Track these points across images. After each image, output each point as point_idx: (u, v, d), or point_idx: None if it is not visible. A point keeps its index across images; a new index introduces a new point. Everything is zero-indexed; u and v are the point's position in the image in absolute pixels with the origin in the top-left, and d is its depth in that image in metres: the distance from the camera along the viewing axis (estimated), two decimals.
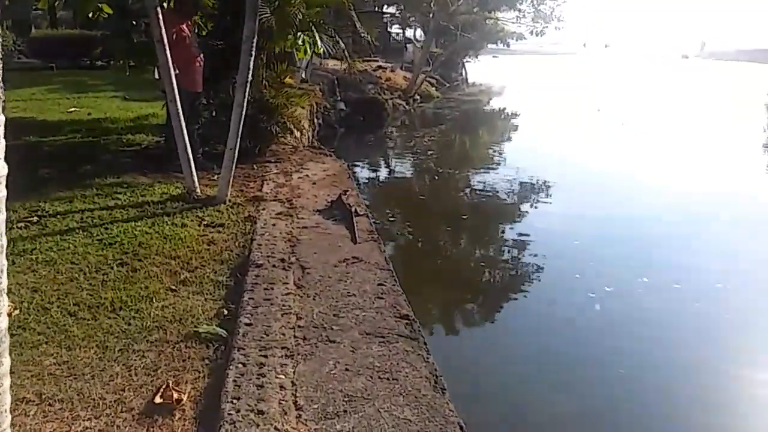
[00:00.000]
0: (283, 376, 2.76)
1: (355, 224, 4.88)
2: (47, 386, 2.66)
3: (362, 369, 2.86)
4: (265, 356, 2.93)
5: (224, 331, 3.21)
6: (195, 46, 6.45)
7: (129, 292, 3.65)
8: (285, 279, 3.87)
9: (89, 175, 6.12)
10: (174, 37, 6.09)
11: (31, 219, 4.69)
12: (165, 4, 7.00)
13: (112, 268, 3.99)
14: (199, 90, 6.54)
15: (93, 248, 4.25)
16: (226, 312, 3.47)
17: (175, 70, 6.00)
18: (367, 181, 11.70)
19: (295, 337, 3.13)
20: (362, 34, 10.83)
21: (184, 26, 6.30)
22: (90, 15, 6.72)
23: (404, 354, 3.01)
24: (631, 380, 4.80)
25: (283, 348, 3.00)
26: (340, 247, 4.51)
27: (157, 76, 6.42)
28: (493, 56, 44.95)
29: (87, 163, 6.57)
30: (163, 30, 5.20)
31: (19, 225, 4.56)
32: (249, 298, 3.55)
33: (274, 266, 4.07)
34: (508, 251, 7.66)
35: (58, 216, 4.84)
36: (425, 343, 3.15)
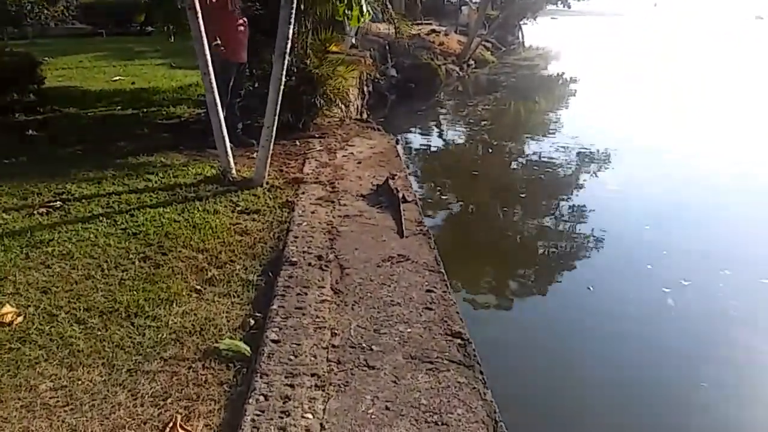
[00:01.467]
0: (310, 416, 2.32)
1: (402, 214, 4.37)
2: (37, 421, 2.29)
3: (405, 408, 2.39)
4: (292, 386, 2.49)
5: (248, 349, 2.79)
6: (238, 11, 5.97)
7: (148, 293, 3.27)
8: (321, 281, 3.41)
9: (122, 152, 5.80)
10: (214, 1, 5.64)
11: (54, 204, 4.37)
12: None
13: (133, 263, 3.62)
14: (243, 61, 6.08)
15: (115, 239, 3.89)
16: (252, 322, 3.05)
17: (215, 40, 5.59)
18: (416, 153, 11.13)
19: (328, 360, 2.68)
20: None
21: None
22: None
23: (456, 388, 2.52)
24: (721, 398, 4.21)
25: (313, 375, 2.55)
26: (385, 242, 4.01)
27: None
28: (552, 18, 43.02)
29: (122, 138, 6.26)
30: None
31: (40, 211, 4.24)
32: (279, 306, 3.11)
33: (309, 264, 3.62)
34: (572, 237, 7.02)
35: (83, 200, 4.51)
36: (481, 372, 2.65)
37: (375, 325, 3.00)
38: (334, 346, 2.80)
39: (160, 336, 2.89)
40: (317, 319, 3.00)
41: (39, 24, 17.64)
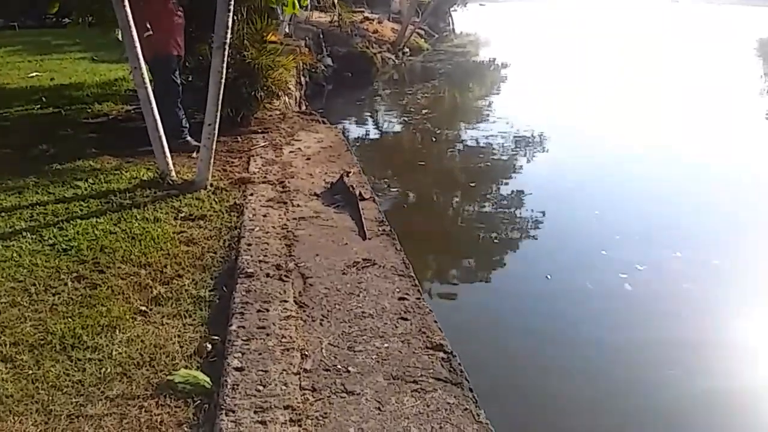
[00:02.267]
0: None
1: (362, 214, 4.10)
2: None
3: None
4: (263, 422, 2.19)
5: (208, 380, 2.46)
6: (174, 1, 5.51)
7: (85, 319, 2.88)
8: (283, 294, 3.10)
9: (45, 157, 5.26)
10: None
11: None
12: None
13: (65, 284, 3.20)
14: (179, 54, 5.62)
15: (43, 257, 3.44)
16: (209, 347, 2.71)
17: (147, 31, 5.13)
18: (359, 145, 10.84)
19: (301, 387, 2.39)
20: None
21: None
22: None
23: (447, 410, 2.28)
24: (691, 386, 4.17)
25: (286, 408, 2.26)
26: (347, 246, 3.73)
27: (120, 37, 5.48)
28: (480, 4, 43.35)
29: (44, 141, 5.67)
30: None
31: None
32: (239, 327, 2.79)
33: (268, 275, 3.30)
34: (525, 226, 6.91)
35: (3, 214, 4.00)
36: (471, 389, 2.43)
37: (348, 341, 2.72)
38: (306, 370, 2.51)
39: (103, 371, 2.52)
40: (284, 340, 2.69)
41: None
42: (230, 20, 4.39)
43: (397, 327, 2.84)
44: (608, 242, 6.31)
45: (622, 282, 5.50)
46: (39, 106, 7.21)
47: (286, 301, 3.04)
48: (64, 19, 16.29)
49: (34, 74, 9.37)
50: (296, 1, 5.98)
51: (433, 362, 2.58)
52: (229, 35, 4.42)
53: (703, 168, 8.96)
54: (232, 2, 4.34)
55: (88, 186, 4.57)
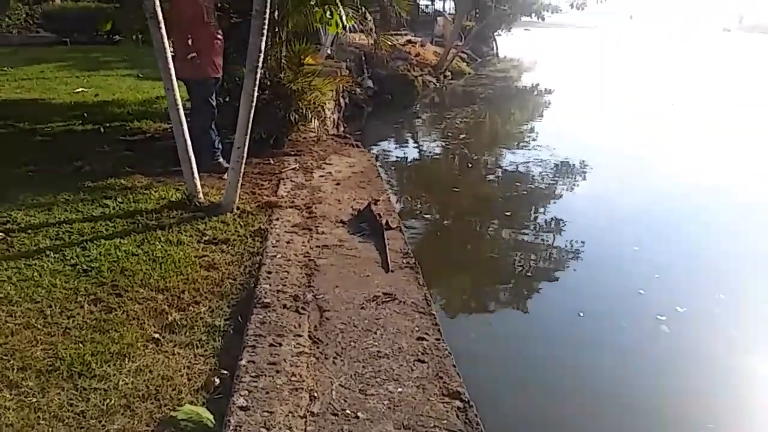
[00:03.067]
0: None
1: (387, 245, 3.99)
2: None
3: None
4: None
5: (211, 418, 2.37)
6: (214, 24, 5.56)
7: (96, 345, 2.83)
8: (297, 328, 3.00)
9: (79, 174, 5.32)
10: (190, 13, 5.23)
11: None
12: None
13: (81, 307, 3.17)
14: (216, 76, 5.65)
15: (62, 278, 3.43)
16: (217, 381, 2.63)
17: (191, 53, 5.19)
18: (394, 167, 10.77)
19: None
20: (391, 5, 9.78)
21: (204, 1, 5.40)
22: None
23: None
24: None
25: None
26: (369, 278, 3.62)
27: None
28: (525, 29, 43.20)
29: (80, 157, 5.76)
30: (157, 3, 4.30)
31: None
32: (249, 361, 2.69)
33: (284, 306, 3.21)
34: (560, 260, 6.69)
35: (30, 231, 4.03)
36: None
37: (360, 383, 2.60)
38: (312, 413, 2.39)
39: (107, 402, 2.45)
40: (293, 378, 2.59)
41: (0, 32, 17.02)
42: (263, 44, 4.37)
43: (413, 370, 2.71)
44: (647, 281, 6.04)
45: (659, 324, 5.24)
46: (80, 121, 7.35)
47: (300, 336, 2.93)
48: (115, 36, 16.86)
49: (80, 90, 9.61)
50: (338, 21, 5.98)
51: (447, 411, 2.44)
52: (261, 59, 4.40)
53: (755, 207, 8.55)
54: (266, 26, 4.32)
55: (117, 205, 4.58)
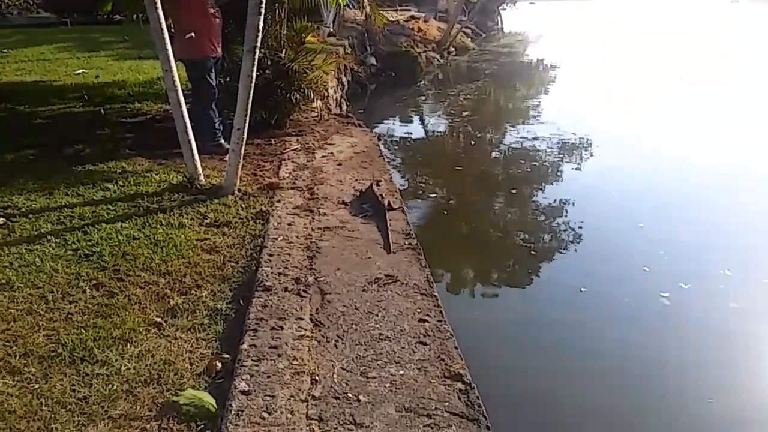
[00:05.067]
0: None
1: (389, 227, 3.96)
2: None
3: None
4: None
5: (213, 403, 2.38)
6: (212, 2, 5.48)
7: (99, 330, 2.83)
8: (299, 311, 3.00)
9: (79, 157, 5.30)
10: None
11: None
12: None
13: (83, 292, 3.17)
14: (215, 55, 5.57)
15: (64, 263, 3.43)
16: (219, 366, 2.62)
17: (188, 32, 5.13)
18: (397, 146, 10.71)
19: (307, 417, 2.28)
20: None
21: None
22: None
23: None
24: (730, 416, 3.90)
25: None
26: (370, 259, 3.60)
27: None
28: (530, 2, 42.65)
29: (81, 140, 5.74)
30: None
31: None
32: (250, 345, 2.69)
33: (286, 289, 3.20)
34: (565, 238, 6.66)
35: (31, 215, 4.02)
36: (488, 427, 2.27)
37: (362, 366, 2.60)
38: (314, 397, 2.39)
39: (109, 387, 2.46)
40: (295, 362, 2.59)
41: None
42: (261, 23, 4.31)
43: (414, 352, 2.70)
44: (651, 258, 6.01)
45: (662, 301, 5.23)
46: (81, 103, 7.32)
47: (301, 319, 2.93)
48: (115, 15, 16.71)
49: (80, 71, 9.56)
50: None
51: (449, 394, 2.43)
52: (260, 38, 4.34)
53: (763, 186, 8.47)
54: (263, 4, 4.25)
55: (118, 188, 4.57)
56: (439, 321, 2.96)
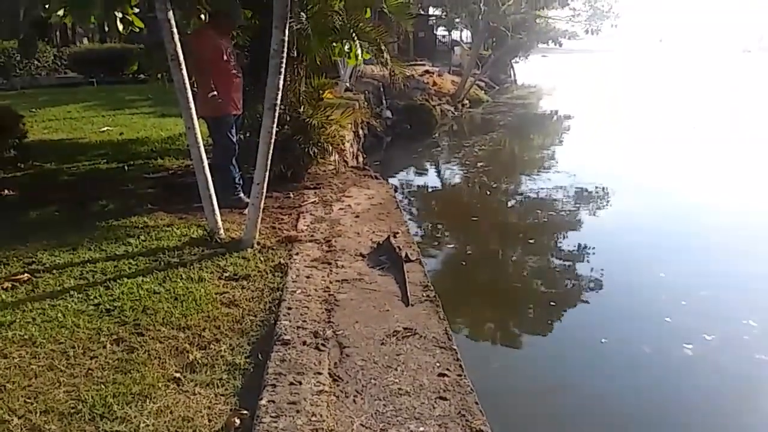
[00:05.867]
0: None
1: (406, 279, 3.97)
2: None
3: None
4: None
5: None
6: (234, 61, 5.67)
7: (119, 386, 2.83)
8: (317, 365, 2.99)
9: (103, 212, 5.42)
10: (211, 55, 5.36)
11: (21, 277, 3.95)
12: (201, 17, 6.36)
13: (104, 347, 3.18)
14: (238, 112, 5.73)
15: (86, 318, 3.46)
16: (238, 422, 2.61)
17: (211, 91, 5.30)
18: (413, 197, 10.79)
19: None
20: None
21: (222, 40, 5.53)
22: (121, 28, 6.13)
23: None
24: None
25: None
26: (388, 312, 3.60)
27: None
28: (543, 56, 43.43)
29: (105, 195, 5.87)
30: (178, 45, 4.41)
31: (5, 286, 3.82)
32: (269, 401, 2.68)
33: (304, 343, 3.19)
34: (585, 288, 6.62)
35: (55, 271, 4.09)
36: None
37: (381, 422, 2.56)
38: None
39: None
40: (313, 418, 2.56)
41: (29, 74, 17.57)
42: (281, 82, 4.44)
43: (434, 408, 2.67)
44: (673, 308, 5.93)
45: (685, 352, 5.13)
46: (105, 160, 7.52)
47: (320, 373, 2.91)
48: (140, 75, 17.30)
49: (106, 129, 9.85)
50: (358, 55, 6.11)
51: None
52: (279, 97, 4.47)
53: None
54: (283, 64, 4.40)
55: (139, 243, 4.64)
56: (459, 375, 2.92)
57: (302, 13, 5.91)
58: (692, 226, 8.58)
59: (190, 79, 4.66)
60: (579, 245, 7.86)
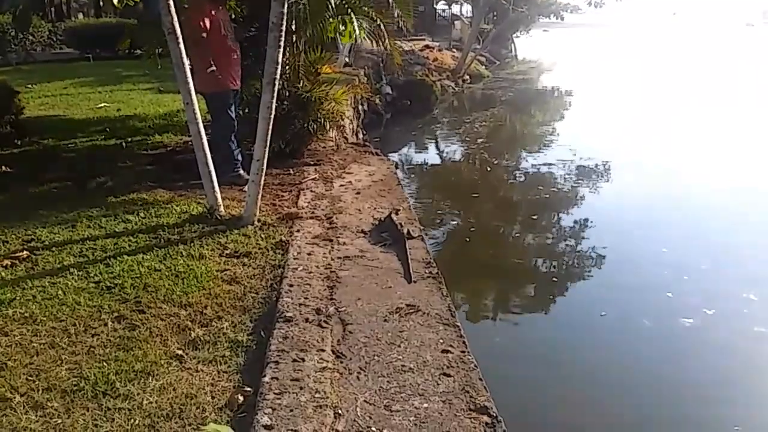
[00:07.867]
0: None
1: (408, 255, 3.94)
2: None
3: None
4: None
5: None
6: (231, 36, 5.58)
7: (120, 364, 2.82)
8: (320, 342, 2.97)
9: (101, 189, 5.37)
10: (207, 26, 5.25)
11: (20, 254, 3.92)
12: None
13: (105, 325, 3.17)
14: (235, 88, 5.65)
15: (86, 296, 3.44)
16: (241, 399, 2.60)
17: (209, 66, 5.22)
18: (414, 173, 10.74)
19: None
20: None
21: (218, 13, 5.43)
22: (116, 2, 6.01)
23: None
24: None
25: None
26: (391, 289, 3.58)
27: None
28: (544, 30, 42.98)
29: (103, 172, 5.82)
30: (175, 19, 4.32)
31: (4, 263, 3.79)
32: (272, 378, 2.66)
33: (307, 320, 3.18)
34: (587, 264, 6.61)
35: (54, 248, 4.05)
36: None
37: (385, 399, 2.55)
38: (337, 431, 2.35)
39: (131, 422, 2.43)
40: (317, 395, 2.55)
41: (24, 50, 17.37)
42: (280, 56, 4.37)
43: (438, 384, 2.65)
44: (675, 283, 5.92)
45: (685, 325, 5.15)
46: (103, 137, 7.45)
47: (323, 350, 2.90)
48: (136, 50, 17.06)
49: (103, 105, 9.75)
50: (352, 32, 6.00)
51: (475, 428, 2.38)
52: (278, 71, 4.39)
53: None
54: (282, 38, 4.32)
55: (139, 220, 4.61)
56: (463, 352, 2.91)
57: None
58: (695, 202, 8.54)
59: (187, 53, 4.58)
60: (581, 221, 7.83)
